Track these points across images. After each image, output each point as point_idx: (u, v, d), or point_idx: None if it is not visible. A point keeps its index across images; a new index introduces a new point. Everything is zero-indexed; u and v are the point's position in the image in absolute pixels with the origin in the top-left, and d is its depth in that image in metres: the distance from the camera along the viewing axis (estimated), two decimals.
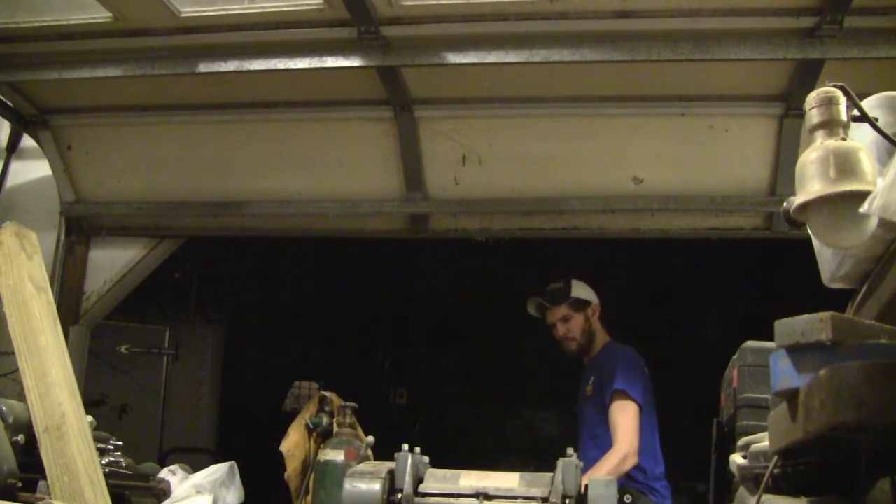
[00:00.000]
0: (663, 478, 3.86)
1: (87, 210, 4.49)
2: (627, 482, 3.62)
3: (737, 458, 1.92)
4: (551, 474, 2.43)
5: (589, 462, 3.49)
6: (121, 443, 3.19)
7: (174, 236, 4.56)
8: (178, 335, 6.25)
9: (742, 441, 1.99)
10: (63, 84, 3.87)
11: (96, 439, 2.93)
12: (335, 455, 3.47)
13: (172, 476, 3.37)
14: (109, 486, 2.77)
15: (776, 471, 1.44)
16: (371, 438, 3.50)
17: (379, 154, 4.09)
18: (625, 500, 3.24)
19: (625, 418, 3.68)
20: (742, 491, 1.92)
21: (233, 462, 3.50)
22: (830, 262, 1.76)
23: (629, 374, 3.78)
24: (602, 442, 3.73)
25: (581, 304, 4.02)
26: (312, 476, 3.60)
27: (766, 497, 1.46)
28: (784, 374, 1.22)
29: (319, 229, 4.43)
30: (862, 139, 1.53)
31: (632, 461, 3.61)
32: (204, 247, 5.38)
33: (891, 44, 3.09)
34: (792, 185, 1.56)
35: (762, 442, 1.64)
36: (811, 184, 1.46)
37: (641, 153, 3.94)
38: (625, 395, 3.71)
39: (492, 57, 3.37)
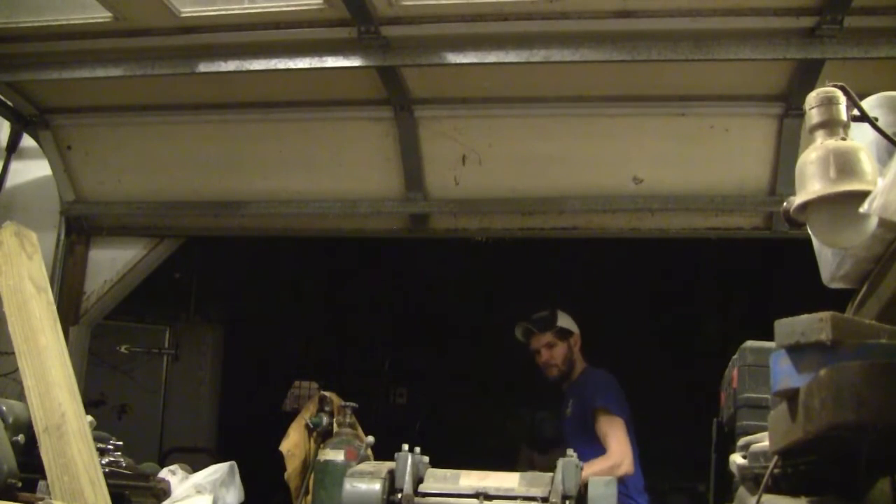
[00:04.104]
0: (646, 491, 3.98)
1: (87, 210, 4.49)
2: None
3: (737, 458, 1.92)
4: (551, 474, 2.43)
5: None
6: (121, 443, 3.19)
7: (174, 236, 4.55)
8: (178, 335, 6.25)
9: (742, 441, 1.99)
10: (63, 84, 3.87)
11: (96, 439, 2.93)
12: (335, 455, 3.47)
13: (172, 476, 3.37)
14: (109, 486, 2.77)
15: (776, 471, 1.44)
16: (371, 438, 3.50)
17: (379, 154, 4.09)
18: None
19: (614, 430, 3.83)
20: (742, 491, 1.92)
21: (233, 462, 3.49)
22: (830, 262, 1.76)
23: (607, 393, 3.98)
24: (583, 460, 3.78)
25: (565, 334, 4.20)
26: (312, 476, 3.60)
27: (766, 497, 1.46)
28: (784, 374, 1.22)
29: (319, 229, 4.43)
30: (862, 139, 1.53)
31: (625, 469, 3.73)
32: (204, 247, 5.37)
33: (891, 44, 3.09)
34: (792, 185, 1.56)
35: (762, 442, 1.64)
36: (811, 184, 1.47)
37: (641, 153, 3.94)
38: (607, 410, 3.88)
39: (492, 57, 3.36)
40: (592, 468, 3.57)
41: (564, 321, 4.20)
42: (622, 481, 3.81)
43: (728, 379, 3.08)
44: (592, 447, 3.83)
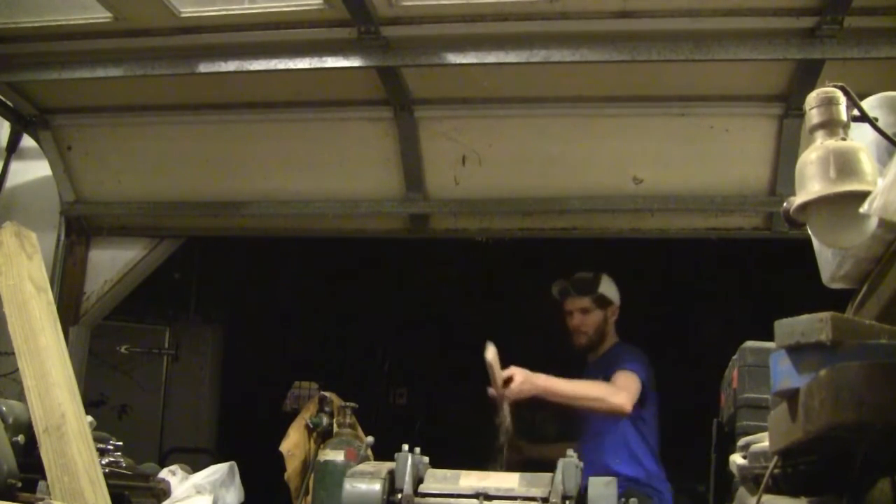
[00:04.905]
0: (666, 479, 3.89)
1: (87, 210, 4.49)
2: (632, 486, 3.60)
3: (737, 458, 1.93)
4: (551, 474, 2.43)
5: (590, 463, 3.47)
6: (121, 443, 3.19)
7: (174, 236, 4.55)
8: (178, 335, 6.25)
9: (742, 441, 1.99)
10: (63, 84, 3.86)
11: (96, 439, 2.93)
12: (335, 455, 3.47)
13: (172, 476, 3.36)
14: (109, 486, 2.77)
15: (776, 471, 1.44)
16: (371, 438, 3.49)
17: (379, 154, 4.09)
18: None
19: (625, 380, 3.65)
20: (742, 491, 1.92)
21: (233, 462, 3.49)
22: (830, 262, 1.76)
23: (637, 362, 3.78)
24: (607, 438, 3.74)
25: (604, 302, 4.00)
26: (312, 476, 3.60)
27: (766, 497, 1.46)
28: (784, 374, 1.22)
29: (319, 229, 4.43)
30: (862, 139, 1.53)
31: (619, 402, 3.55)
32: (204, 247, 5.37)
33: (891, 44, 3.09)
34: (792, 185, 1.56)
35: (762, 442, 1.64)
36: (811, 184, 1.47)
37: (641, 153, 3.94)
38: (631, 371, 3.70)
39: (492, 57, 3.36)
40: (586, 386, 3.58)
41: (607, 288, 3.99)
42: (646, 470, 3.74)
43: (728, 379, 3.08)
44: (617, 424, 3.72)
